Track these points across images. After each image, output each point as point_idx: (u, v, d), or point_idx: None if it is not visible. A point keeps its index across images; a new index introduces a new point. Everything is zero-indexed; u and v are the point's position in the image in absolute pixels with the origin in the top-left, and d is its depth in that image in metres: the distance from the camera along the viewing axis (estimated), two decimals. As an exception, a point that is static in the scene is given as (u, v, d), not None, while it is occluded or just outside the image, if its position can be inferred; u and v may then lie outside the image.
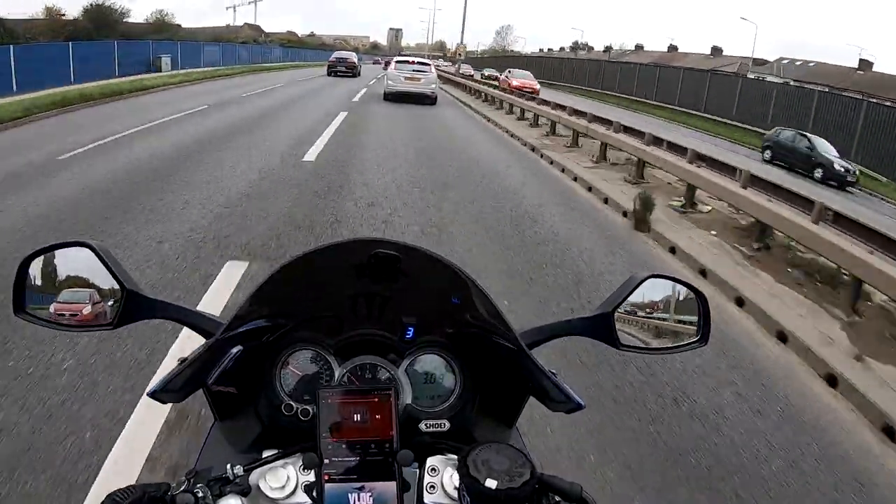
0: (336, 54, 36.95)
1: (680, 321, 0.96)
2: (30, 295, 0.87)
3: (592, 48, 76.00)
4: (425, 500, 0.79)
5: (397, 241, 0.84)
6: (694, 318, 0.96)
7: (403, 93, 18.61)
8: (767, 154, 18.31)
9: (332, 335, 0.97)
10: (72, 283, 0.87)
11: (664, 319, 0.96)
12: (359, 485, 0.77)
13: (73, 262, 0.86)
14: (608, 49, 67.58)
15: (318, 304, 0.95)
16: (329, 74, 32.78)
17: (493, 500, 0.68)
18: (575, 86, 41.19)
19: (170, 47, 30.17)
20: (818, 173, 16.06)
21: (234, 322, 0.84)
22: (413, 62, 20.14)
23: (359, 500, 0.77)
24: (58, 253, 0.87)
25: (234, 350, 0.88)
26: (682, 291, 0.96)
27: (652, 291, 0.94)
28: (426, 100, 18.85)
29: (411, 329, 0.97)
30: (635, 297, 0.92)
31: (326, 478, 0.77)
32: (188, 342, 2.63)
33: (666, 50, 59.20)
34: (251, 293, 0.83)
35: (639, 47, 64.42)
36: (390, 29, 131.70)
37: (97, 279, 0.86)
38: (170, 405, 2.01)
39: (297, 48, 60.61)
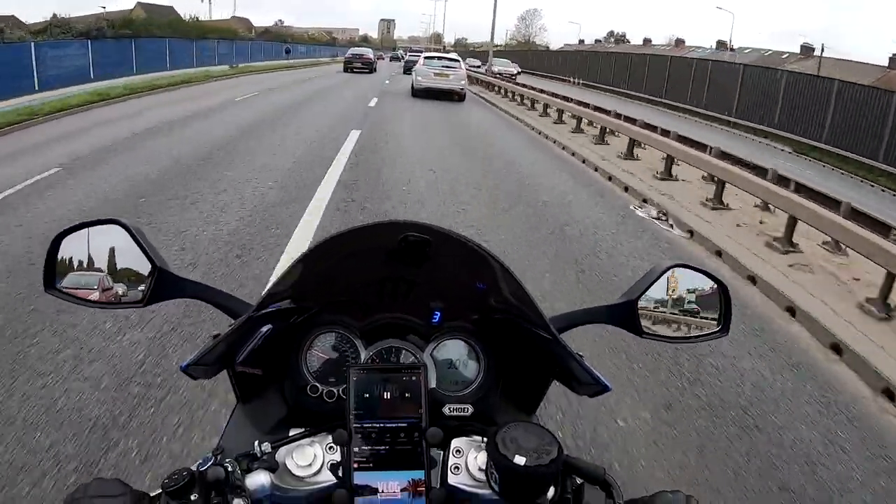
0: (352, 51, 38.76)
1: (701, 311, 0.97)
2: (61, 271, 0.88)
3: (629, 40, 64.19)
4: (450, 481, 0.80)
5: (429, 224, 0.85)
6: (715, 308, 0.96)
7: (432, 89, 18.85)
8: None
9: (358, 318, 0.99)
10: (102, 261, 0.88)
11: (686, 309, 0.96)
12: (386, 465, 0.79)
13: (106, 239, 0.87)
14: (647, 41, 56.62)
15: (346, 287, 0.96)
16: (346, 70, 33.99)
17: (521, 476, 0.70)
18: (656, 99, 27.20)
19: None
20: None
21: (265, 301, 0.85)
22: (442, 58, 20.55)
23: (386, 477, 0.78)
24: (91, 230, 0.88)
25: (265, 329, 0.90)
26: (705, 281, 0.97)
27: (675, 281, 0.95)
28: (454, 96, 19.06)
29: (438, 313, 0.98)
30: (658, 287, 0.93)
31: (355, 456, 0.79)
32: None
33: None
34: (281, 274, 0.85)
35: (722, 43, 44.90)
36: (381, 20, 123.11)
37: (128, 257, 0.87)
38: None
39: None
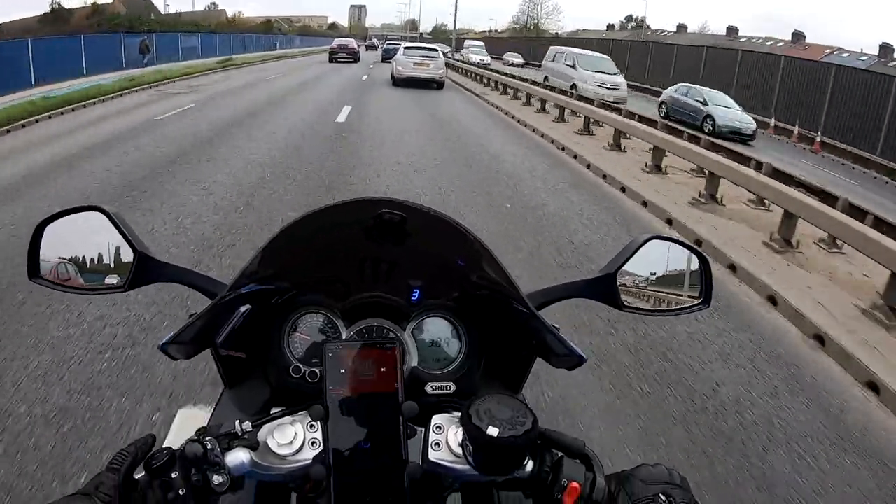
0: (337, 41, 39.46)
1: (681, 283, 0.97)
2: (44, 259, 0.89)
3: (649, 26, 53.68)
4: (430, 457, 0.80)
5: (403, 200, 0.85)
6: (695, 280, 0.97)
7: (412, 78, 19.51)
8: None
9: (339, 298, 0.99)
10: (85, 247, 0.89)
11: (666, 281, 0.97)
12: (364, 439, 0.79)
13: (88, 225, 0.88)
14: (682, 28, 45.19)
15: (325, 267, 0.96)
16: (331, 61, 34.75)
17: (494, 447, 0.70)
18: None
19: None
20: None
21: (240, 280, 0.84)
22: (422, 48, 21.33)
23: (364, 454, 0.78)
24: (73, 217, 0.88)
25: (243, 308, 0.90)
26: (684, 253, 0.97)
27: (654, 254, 0.95)
28: (433, 84, 19.76)
29: (417, 291, 0.98)
30: (638, 260, 0.93)
31: (333, 432, 0.79)
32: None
33: None
34: (256, 255, 0.84)
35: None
36: (352, 6, 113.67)
37: (110, 243, 0.88)
38: None
39: None
